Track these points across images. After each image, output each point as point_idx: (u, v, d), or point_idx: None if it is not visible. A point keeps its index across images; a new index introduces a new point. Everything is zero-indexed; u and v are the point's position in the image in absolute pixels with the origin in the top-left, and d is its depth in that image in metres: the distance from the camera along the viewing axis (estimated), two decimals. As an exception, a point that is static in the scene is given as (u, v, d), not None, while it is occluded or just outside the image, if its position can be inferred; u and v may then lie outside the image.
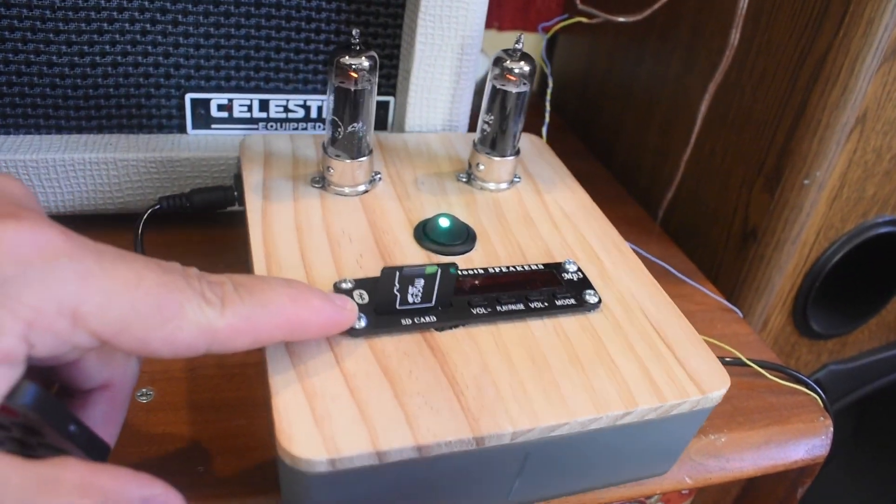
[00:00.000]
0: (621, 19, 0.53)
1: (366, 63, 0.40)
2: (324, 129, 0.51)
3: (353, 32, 0.40)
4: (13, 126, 0.47)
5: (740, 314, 0.52)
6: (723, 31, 0.56)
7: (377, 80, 0.41)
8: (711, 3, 0.57)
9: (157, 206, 0.45)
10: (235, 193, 0.46)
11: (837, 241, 0.55)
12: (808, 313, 0.58)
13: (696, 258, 0.59)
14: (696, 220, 0.60)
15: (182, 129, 0.50)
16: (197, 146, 0.49)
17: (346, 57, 0.40)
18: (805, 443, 0.43)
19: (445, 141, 0.50)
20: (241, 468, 0.35)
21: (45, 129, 0.48)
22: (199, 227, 0.52)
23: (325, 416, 0.29)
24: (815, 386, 0.45)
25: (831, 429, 0.44)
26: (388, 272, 0.33)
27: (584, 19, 0.55)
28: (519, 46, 0.44)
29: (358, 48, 0.40)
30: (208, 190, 0.46)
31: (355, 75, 0.40)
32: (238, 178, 0.45)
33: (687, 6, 0.60)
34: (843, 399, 0.66)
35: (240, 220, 0.50)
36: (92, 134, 0.48)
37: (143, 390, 0.39)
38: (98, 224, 0.50)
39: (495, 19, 0.80)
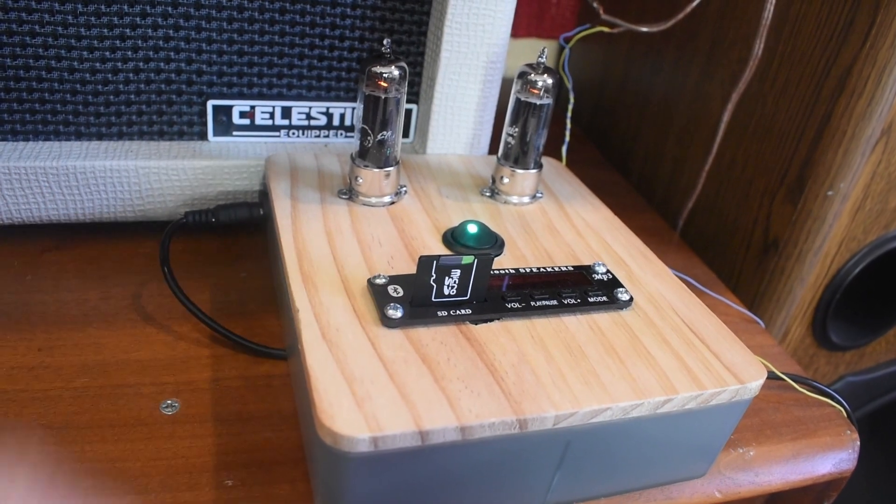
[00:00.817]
0: (645, 29, 0.53)
1: (396, 72, 0.40)
2: (345, 136, 0.51)
3: (385, 41, 0.39)
4: (32, 132, 0.47)
5: (762, 325, 0.52)
6: (743, 40, 0.56)
7: (406, 89, 0.41)
8: (732, 13, 0.57)
9: (183, 221, 0.44)
10: (261, 211, 0.45)
11: (859, 253, 0.55)
12: (827, 325, 0.57)
13: (715, 268, 0.59)
14: (716, 230, 0.60)
15: (203, 135, 0.49)
16: (218, 153, 0.48)
17: (378, 65, 0.39)
18: (833, 456, 0.43)
19: (466, 162, 0.50)
20: (269, 481, 0.35)
21: (64, 136, 0.47)
22: (220, 235, 0.51)
23: (365, 397, 0.29)
24: (840, 399, 0.45)
25: (858, 442, 0.43)
26: (426, 260, 0.33)
27: (606, 29, 0.54)
28: (543, 60, 0.44)
29: (389, 57, 0.40)
30: (234, 206, 0.46)
31: (386, 84, 0.40)
32: (263, 195, 0.45)
33: (707, 15, 0.60)
34: (859, 410, 0.66)
35: (261, 229, 0.50)
36: (112, 140, 0.48)
37: (169, 402, 0.38)
38: (118, 231, 0.50)
39: (509, 26, 0.79)
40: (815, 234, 0.52)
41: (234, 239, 0.52)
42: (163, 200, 0.48)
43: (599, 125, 0.79)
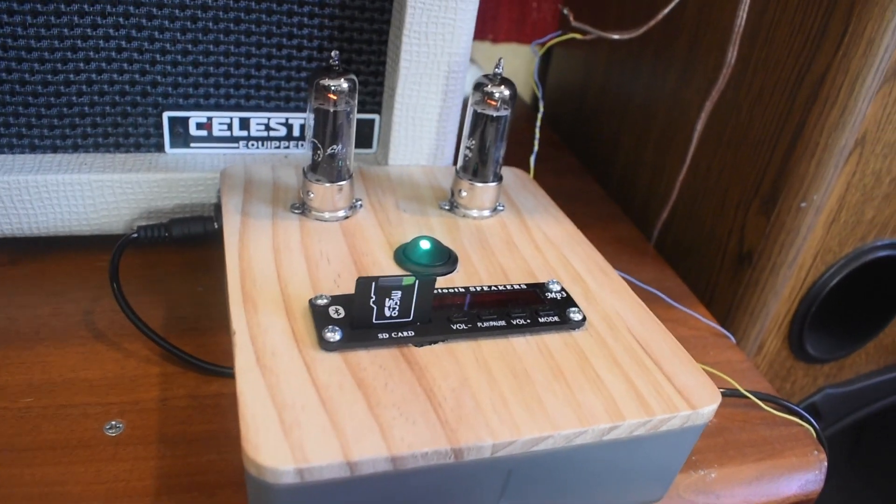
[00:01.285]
0: (615, 37, 0.51)
1: (345, 85, 0.39)
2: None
3: (333, 54, 0.38)
4: (-14, 144, 0.46)
5: (733, 340, 0.50)
6: (720, 47, 0.55)
7: (357, 101, 0.40)
8: (709, 19, 0.56)
9: (135, 236, 0.43)
10: (216, 225, 0.44)
11: (835, 265, 0.53)
12: (804, 337, 0.56)
13: (690, 280, 0.58)
14: (691, 241, 0.59)
15: (160, 147, 0.48)
16: (175, 165, 0.47)
17: (326, 78, 0.38)
18: (798, 477, 0.41)
19: (429, 173, 0.49)
20: (209, 507, 0.34)
21: (18, 149, 0.46)
22: (178, 249, 0.50)
23: (293, 425, 0.28)
24: (809, 417, 0.44)
25: (825, 463, 0.42)
26: (364, 282, 0.32)
27: (577, 36, 0.53)
28: (499, 70, 0.43)
29: (338, 69, 0.39)
30: (188, 220, 0.45)
31: (334, 97, 0.39)
32: (218, 208, 0.44)
33: (684, 21, 0.59)
34: (840, 422, 0.64)
35: (218, 243, 0.49)
36: (67, 153, 0.47)
37: (113, 422, 0.38)
38: (72, 246, 0.49)
39: (490, 31, 0.78)
40: (789, 246, 0.51)
41: (194, 252, 0.51)
42: (118, 214, 0.47)
43: (580, 132, 0.78)
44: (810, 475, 0.42)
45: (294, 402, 0.30)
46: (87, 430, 0.37)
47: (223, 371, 0.41)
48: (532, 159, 0.52)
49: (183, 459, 0.36)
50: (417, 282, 0.33)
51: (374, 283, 0.32)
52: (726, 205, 0.55)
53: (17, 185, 0.45)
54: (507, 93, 0.42)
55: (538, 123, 0.52)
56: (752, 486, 0.40)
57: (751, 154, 0.53)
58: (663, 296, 0.51)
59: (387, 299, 0.33)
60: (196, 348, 0.42)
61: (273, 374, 0.31)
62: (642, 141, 0.66)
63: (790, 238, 0.51)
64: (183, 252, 0.50)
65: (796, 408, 0.44)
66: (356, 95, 0.39)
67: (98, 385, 0.40)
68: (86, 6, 0.43)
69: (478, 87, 0.42)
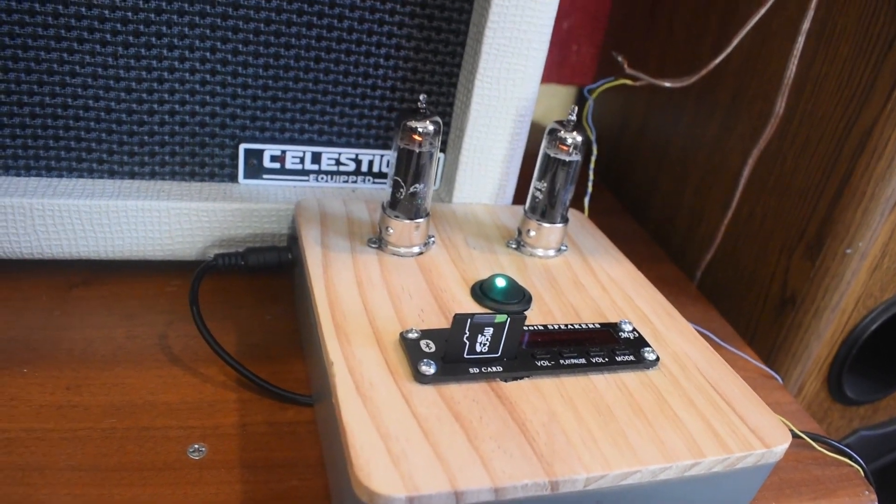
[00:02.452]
0: (668, 84, 0.54)
1: (431, 127, 0.40)
2: (373, 182, 0.52)
3: (420, 97, 0.40)
4: (66, 169, 0.47)
5: (780, 381, 0.52)
6: (764, 96, 0.57)
7: (439, 143, 0.41)
8: (753, 69, 0.58)
9: (213, 263, 0.45)
10: (290, 255, 0.46)
11: (876, 310, 0.55)
12: (843, 380, 0.58)
13: (730, 320, 0.60)
14: (733, 283, 0.61)
15: (234, 178, 0.50)
16: (248, 196, 0.49)
17: (413, 120, 0.40)
18: (852, 518, 0.43)
19: (492, 212, 0.51)
20: (297, 532, 0.35)
21: (97, 174, 0.48)
22: (246, 278, 0.52)
23: (401, 455, 0.30)
24: (858, 459, 0.45)
25: (875, 503, 0.44)
26: (461, 318, 0.34)
27: (629, 82, 0.55)
28: (572, 117, 0.44)
29: (424, 112, 0.40)
30: (263, 250, 0.46)
31: (420, 138, 0.40)
32: (292, 239, 0.46)
33: (728, 70, 0.61)
34: (872, 464, 0.66)
35: (287, 272, 0.51)
36: (144, 180, 0.49)
37: (196, 446, 0.39)
38: (143, 269, 0.51)
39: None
40: (833, 290, 0.53)
41: (260, 280, 0.52)
42: (192, 241, 0.48)
43: (616, 173, 0.80)
44: (863, 515, 0.43)
45: (398, 433, 0.31)
46: (171, 452, 0.38)
47: (299, 399, 0.42)
48: (586, 200, 0.54)
49: (266, 485, 0.37)
50: (509, 319, 0.34)
51: (469, 320, 0.34)
52: (769, 249, 0.57)
53: (97, 209, 0.46)
54: (579, 139, 0.44)
55: (592, 165, 0.54)
56: (809, 524, 0.42)
57: (795, 201, 0.55)
58: (712, 335, 0.53)
59: (479, 335, 0.34)
60: (269, 375, 0.43)
61: (373, 404, 0.32)
62: (681, 185, 0.68)
63: (834, 283, 0.52)
64: (251, 281, 0.52)
65: (846, 449, 0.45)
66: (440, 137, 0.41)
67: (178, 408, 0.41)
68: (176, 40, 0.45)
69: (551, 132, 0.44)
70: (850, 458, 0.45)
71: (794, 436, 0.45)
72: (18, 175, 0.47)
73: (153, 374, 0.43)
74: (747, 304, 0.59)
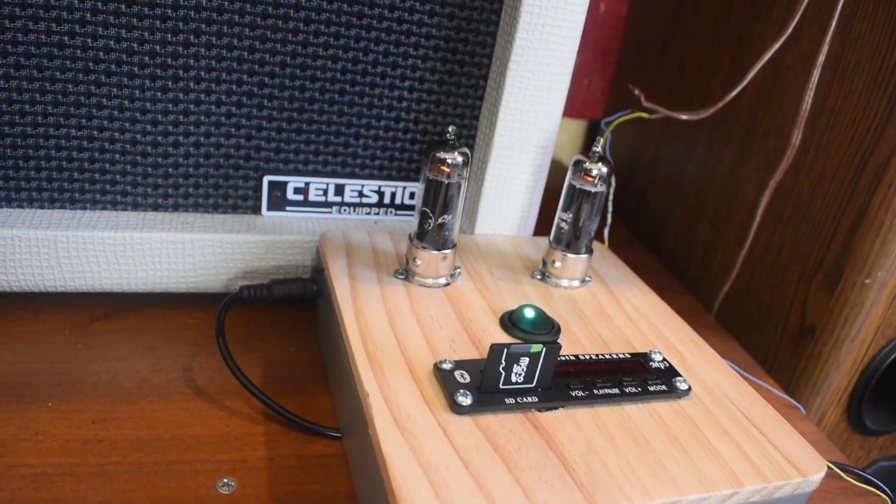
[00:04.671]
0: (684, 117, 0.54)
1: (460, 158, 0.41)
2: (395, 214, 0.52)
3: (449, 129, 0.41)
4: (91, 201, 0.47)
5: (803, 411, 0.52)
6: (778, 129, 0.58)
7: (467, 174, 0.42)
8: (768, 102, 0.59)
9: (239, 295, 0.45)
10: (315, 287, 0.46)
11: (895, 340, 0.55)
12: (863, 410, 0.58)
13: (749, 351, 0.60)
14: (751, 314, 0.61)
15: (256, 210, 0.50)
16: (272, 228, 0.49)
17: (442, 151, 0.41)
18: (883, 550, 0.43)
19: (514, 243, 0.51)
20: (330, 567, 0.35)
21: (121, 206, 0.48)
22: (269, 310, 0.52)
23: (443, 486, 0.30)
24: (885, 488, 0.45)
25: (906, 535, 0.43)
26: (497, 349, 0.33)
27: (645, 115, 0.56)
28: (597, 149, 0.45)
29: (453, 143, 0.41)
30: (288, 282, 0.46)
31: (449, 169, 0.41)
32: (317, 271, 0.46)
33: (741, 103, 0.62)
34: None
35: (310, 303, 0.51)
36: (168, 212, 0.49)
37: (225, 480, 0.38)
38: (165, 302, 0.50)
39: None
40: (853, 321, 0.53)
41: (284, 312, 0.52)
42: (215, 273, 0.48)
43: (630, 205, 0.80)
44: (895, 547, 0.43)
45: (438, 464, 0.31)
46: (201, 486, 0.38)
47: (327, 432, 0.42)
48: (606, 232, 0.54)
49: (298, 519, 0.37)
50: (545, 349, 0.34)
51: (505, 350, 0.34)
52: (787, 280, 0.57)
53: (122, 241, 0.46)
54: (604, 170, 0.44)
55: (610, 198, 0.55)
56: (841, 556, 0.41)
57: (812, 232, 0.55)
58: (733, 365, 0.53)
59: (515, 365, 0.34)
60: (295, 407, 0.43)
61: (412, 435, 0.32)
62: (696, 217, 0.68)
63: (854, 313, 0.53)
64: (274, 313, 0.52)
65: (873, 479, 0.45)
66: (468, 169, 0.41)
67: (205, 442, 0.40)
68: (203, 73, 0.45)
69: (577, 164, 0.44)
70: (878, 487, 0.45)
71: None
72: (42, 207, 0.47)
73: (179, 407, 0.43)
74: (766, 335, 0.59)
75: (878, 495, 0.45)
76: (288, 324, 0.51)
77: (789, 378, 0.57)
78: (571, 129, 0.86)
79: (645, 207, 0.77)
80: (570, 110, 0.82)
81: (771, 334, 0.59)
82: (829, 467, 0.45)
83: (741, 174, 0.62)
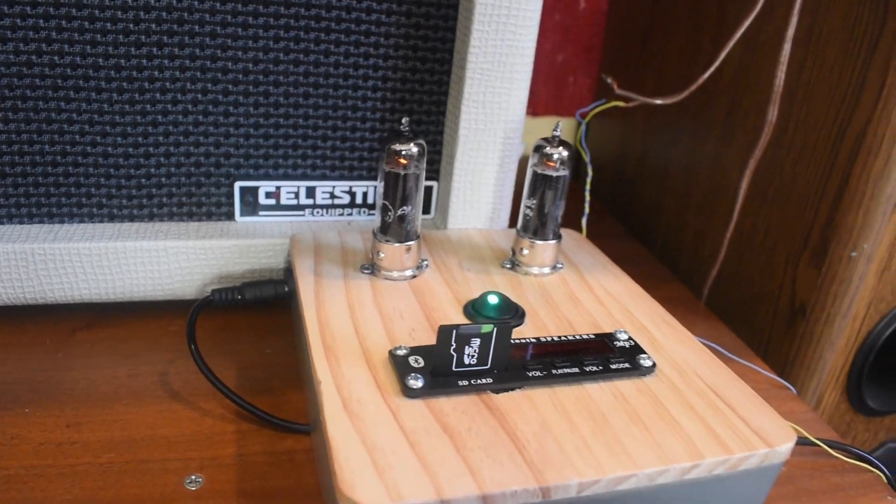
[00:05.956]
0: (659, 101, 0.54)
1: (415, 149, 0.41)
2: (368, 213, 0.53)
3: (403, 120, 0.41)
4: (68, 215, 0.49)
5: (794, 391, 0.51)
6: (758, 108, 0.57)
7: (425, 165, 0.42)
8: (746, 82, 0.58)
9: (210, 298, 0.45)
10: (286, 288, 0.46)
11: (889, 314, 0.54)
12: (862, 389, 0.56)
13: (742, 336, 0.58)
14: (741, 298, 0.60)
15: (230, 216, 0.51)
16: (245, 233, 0.50)
17: (397, 143, 0.41)
18: (875, 526, 0.41)
19: (486, 236, 0.51)
20: (294, 559, 0.35)
21: (97, 218, 0.49)
22: (245, 314, 0.52)
23: (386, 467, 0.29)
24: (879, 464, 0.44)
25: (902, 510, 0.42)
26: (446, 330, 0.33)
27: (620, 103, 0.56)
28: (557, 133, 0.45)
29: (408, 135, 0.41)
30: (259, 284, 0.46)
31: (405, 161, 0.41)
32: (288, 272, 0.46)
33: (720, 86, 0.61)
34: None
35: (286, 306, 0.51)
36: (143, 222, 0.50)
37: (193, 477, 0.38)
38: (147, 311, 0.51)
39: (530, 106, 0.82)
40: (843, 296, 0.52)
41: (261, 316, 0.52)
42: (191, 279, 0.49)
43: (621, 199, 0.80)
44: (887, 523, 0.41)
45: (384, 446, 0.31)
46: (168, 484, 0.38)
47: (297, 427, 0.42)
48: (584, 221, 0.54)
49: (263, 513, 0.37)
50: (496, 329, 0.34)
51: (454, 331, 0.34)
52: (775, 261, 0.56)
53: (97, 251, 0.47)
54: (565, 154, 0.44)
55: (587, 187, 0.54)
56: (829, 534, 0.40)
57: (797, 209, 0.54)
58: (721, 349, 0.52)
59: (466, 347, 0.34)
60: (268, 407, 0.43)
61: (360, 419, 0.32)
62: (685, 204, 0.67)
63: (843, 288, 0.51)
64: (250, 317, 0.52)
65: (865, 454, 0.44)
66: (424, 159, 0.42)
67: (176, 441, 0.41)
68: (168, 84, 0.46)
69: (538, 149, 0.44)
70: (871, 463, 0.44)
71: (810, 443, 0.44)
72: (22, 223, 0.48)
73: (153, 409, 0.43)
74: (758, 318, 0.58)
75: (872, 471, 0.44)
76: (265, 327, 0.51)
77: (784, 361, 0.55)
78: (564, 127, 0.86)
79: (637, 201, 0.76)
80: (558, 108, 0.82)
81: (763, 318, 0.57)
82: (816, 444, 0.44)
83: (725, 158, 0.61)
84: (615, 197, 0.81)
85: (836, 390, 0.56)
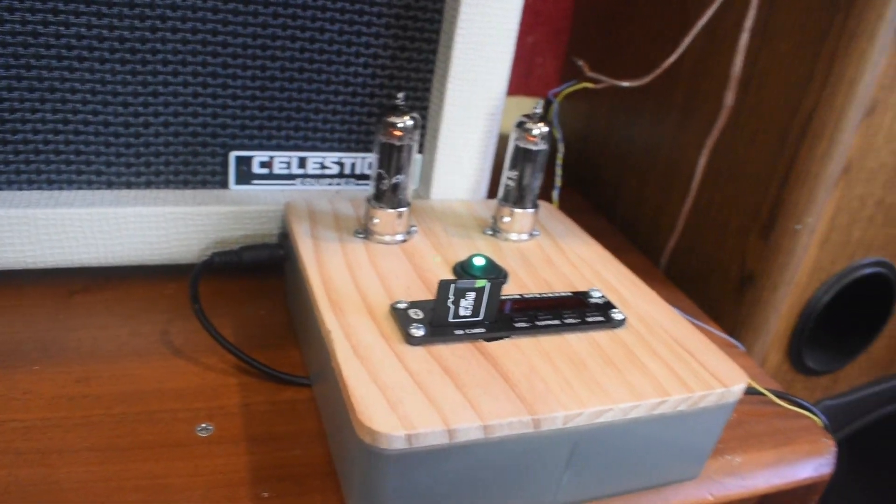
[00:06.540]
0: (626, 84, 0.58)
1: (410, 122, 0.44)
2: (356, 183, 0.56)
3: (399, 95, 0.44)
4: (66, 182, 0.50)
5: (743, 349, 0.56)
6: (716, 93, 0.62)
7: (418, 137, 0.45)
8: (705, 69, 0.63)
9: (211, 261, 0.48)
10: (281, 252, 0.49)
11: (828, 282, 0.60)
12: (803, 351, 0.62)
13: (697, 302, 0.64)
14: (697, 268, 0.65)
15: (224, 184, 0.53)
16: (240, 200, 0.52)
17: (393, 116, 0.44)
18: (812, 462, 0.46)
19: (468, 206, 0.55)
20: (302, 492, 0.38)
21: (96, 185, 0.51)
22: (238, 279, 0.55)
23: (397, 402, 0.33)
24: (816, 411, 0.49)
25: (834, 449, 0.47)
26: (445, 283, 0.37)
27: (590, 85, 0.60)
28: (538, 110, 0.49)
29: (403, 108, 0.44)
30: (257, 247, 0.49)
31: (400, 133, 0.44)
32: (283, 237, 0.49)
33: (681, 72, 0.66)
34: (837, 434, 0.69)
35: (277, 271, 0.54)
36: (140, 189, 0.52)
37: (203, 425, 0.41)
38: (141, 275, 0.53)
39: (499, 85, 0.86)
40: (787, 266, 0.57)
41: (253, 282, 0.55)
42: (188, 244, 0.51)
43: (585, 175, 0.84)
44: (822, 460, 0.47)
45: (393, 385, 0.34)
46: (180, 431, 0.41)
47: (296, 380, 0.45)
48: (555, 193, 0.58)
49: (271, 455, 0.40)
50: (489, 284, 0.38)
51: (453, 285, 0.37)
52: (728, 233, 0.61)
53: (98, 216, 0.49)
54: (545, 129, 0.48)
55: (559, 162, 0.58)
56: (772, 469, 0.45)
57: (749, 187, 0.59)
58: (678, 311, 0.56)
59: (462, 299, 0.38)
60: (267, 362, 0.46)
61: (370, 362, 0.35)
62: (644, 181, 0.72)
63: (787, 258, 0.57)
64: (242, 282, 0.55)
65: (805, 403, 0.49)
66: (418, 132, 0.45)
67: (184, 393, 0.44)
68: (169, 56, 0.48)
69: (520, 125, 0.48)
70: (809, 410, 0.49)
71: (757, 392, 0.49)
72: (21, 189, 0.50)
73: (158, 365, 0.46)
74: (711, 286, 0.63)
75: (811, 418, 0.49)
76: (257, 291, 0.54)
77: (733, 324, 0.61)
78: (529, 107, 0.90)
79: (600, 177, 0.81)
80: (526, 88, 0.86)
81: (715, 285, 0.63)
82: (763, 393, 0.49)
83: (683, 138, 0.66)
84: (578, 173, 0.85)
85: (779, 351, 0.62)
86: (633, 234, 0.74)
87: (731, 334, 0.61)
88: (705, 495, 0.43)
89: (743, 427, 0.47)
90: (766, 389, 0.49)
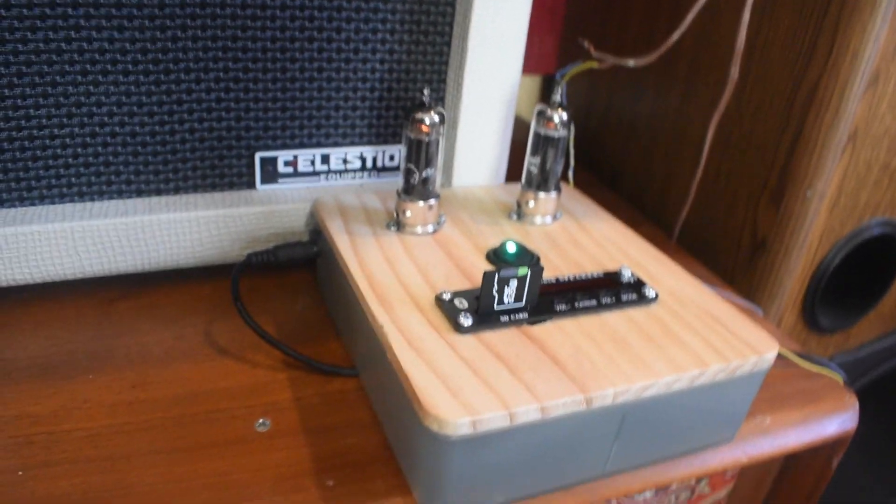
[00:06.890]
0: (632, 63, 0.59)
1: (436, 118, 0.46)
2: (378, 176, 0.57)
3: (425, 91, 0.45)
4: (97, 193, 0.51)
5: (761, 313, 0.58)
6: (719, 66, 0.63)
7: (444, 131, 0.47)
8: (707, 42, 0.64)
9: (248, 261, 0.49)
10: (315, 248, 0.50)
11: (838, 244, 0.62)
12: (816, 310, 0.64)
13: (710, 269, 0.66)
14: (707, 237, 0.67)
15: (251, 185, 0.55)
16: (267, 200, 0.53)
17: (420, 112, 0.45)
18: (837, 418, 0.49)
19: (489, 191, 0.56)
20: (364, 478, 0.40)
21: (126, 194, 0.52)
22: (272, 276, 0.56)
23: (457, 390, 0.35)
24: (838, 369, 0.51)
25: (857, 404, 0.50)
26: (489, 274, 0.39)
27: (595, 65, 0.61)
28: (557, 98, 0.50)
29: (429, 105, 0.46)
30: (291, 246, 0.51)
31: (427, 129, 0.46)
32: (316, 233, 0.51)
33: (683, 46, 0.67)
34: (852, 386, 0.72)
35: (311, 266, 0.55)
36: (170, 195, 0.53)
37: (261, 420, 0.43)
38: (175, 280, 0.55)
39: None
40: (798, 230, 0.59)
41: (286, 279, 0.57)
42: (220, 246, 0.53)
43: (588, 150, 0.86)
44: (846, 415, 0.49)
45: (451, 373, 0.36)
46: (239, 429, 0.43)
47: (342, 371, 0.47)
48: (570, 174, 0.59)
49: (330, 444, 0.42)
50: (530, 271, 0.40)
51: (496, 275, 0.39)
52: (737, 201, 0.63)
53: (133, 225, 0.50)
54: (565, 116, 0.49)
55: (571, 142, 0.60)
56: (801, 427, 0.48)
57: (756, 156, 0.61)
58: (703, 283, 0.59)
59: (505, 287, 0.40)
60: (311, 355, 0.48)
61: (425, 354, 0.37)
62: (650, 154, 0.74)
63: (799, 223, 0.59)
64: (275, 279, 0.56)
65: (826, 362, 0.51)
66: (444, 126, 0.46)
67: (236, 392, 0.45)
68: (191, 64, 0.49)
69: (540, 113, 0.50)
70: (831, 369, 0.51)
71: (782, 356, 0.51)
72: (53, 203, 0.51)
73: (207, 365, 0.47)
74: (723, 254, 0.65)
75: (831, 377, 0.52)
76: (291, 287, 0.56)
77: (747, 289, 0.63)
78: (526, 85, 0.91)
79: (603, 151, 0.82)
80: (525, 67, 0.87)
81: (728, 252, 0.65)
82: (785, 356, 0.51)
83: (688, 110, 0.68)
84: (582, 149, 0.87)
85: (793, 312, 0.64)
86: (640, 205, 0.76)
87: (746, 298, 0.63)
88: (740, 456, 0.45)
89: (769, 389, 0.49)
90: (790, 352, 0.51)
